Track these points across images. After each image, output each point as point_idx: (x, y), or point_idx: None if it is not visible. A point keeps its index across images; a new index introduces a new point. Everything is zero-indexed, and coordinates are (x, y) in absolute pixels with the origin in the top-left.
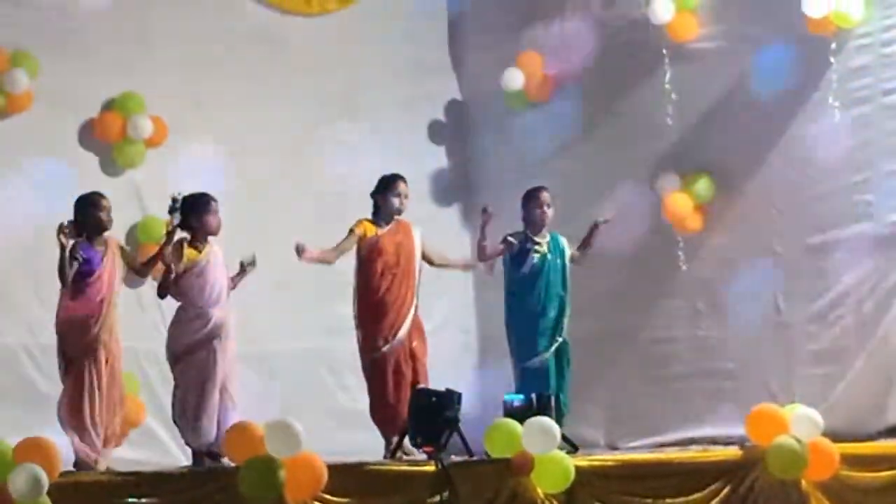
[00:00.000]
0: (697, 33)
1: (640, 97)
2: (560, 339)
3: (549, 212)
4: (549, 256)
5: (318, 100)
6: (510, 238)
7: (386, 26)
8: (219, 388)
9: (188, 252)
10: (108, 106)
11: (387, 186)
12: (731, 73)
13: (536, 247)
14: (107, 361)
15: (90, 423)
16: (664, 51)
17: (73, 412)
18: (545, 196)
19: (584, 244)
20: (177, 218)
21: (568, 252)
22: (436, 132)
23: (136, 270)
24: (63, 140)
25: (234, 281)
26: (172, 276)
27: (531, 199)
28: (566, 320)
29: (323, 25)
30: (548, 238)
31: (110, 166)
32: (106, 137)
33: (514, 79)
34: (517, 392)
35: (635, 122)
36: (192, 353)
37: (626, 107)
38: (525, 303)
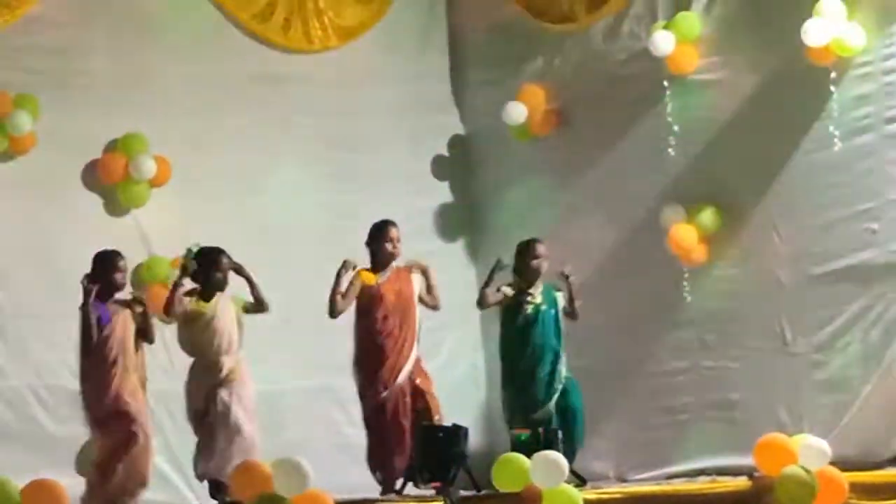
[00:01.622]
0: (698, 64)
1: (643, 129)
2: (559, 387)
3: (544, 264)
4: (542, 308)
5: (321, 137)
6: (505, 289)
7: (388, 62)
8: (240, 433)
9: (196, 303)
10: (111, 146)
11: (378, 234)
12: (732, 103)
13: (529, 298)
14: (136, 419)
15: (120, 478)
16: (665, 82)
17: (101, 469)
18: (540, 248)
19: (570, 300)
20: (192, 266)
21: (560, 303)
22: (439, 167)
23: (145, 334)
24: (66, 181)
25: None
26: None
27: (525, 251)
28: (563, 368)
29: (325, 62)
30: (541, 289)
31: (114, 207)
32: (109, 178)
33: (517, 112)
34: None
35: (638, 155)
36: (211, 401)
37: (628, 139)
38: (520, 355)
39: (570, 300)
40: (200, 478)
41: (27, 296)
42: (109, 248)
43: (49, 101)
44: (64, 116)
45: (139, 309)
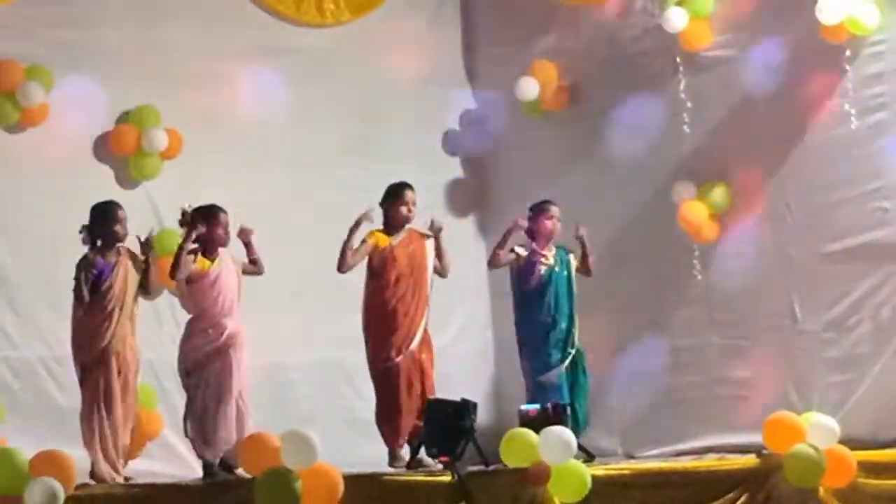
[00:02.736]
0: (711, 41)
1: (655, 106)
2: (573, 351)
3: (558, 225)
4: (556, 269)
5: (332, 110)
6: (518, 250)
7: (400, 37)
8: (235, 399)
9: (200, 261)
10: (124, 119)
11: (394, 196)
12: (745, 80)
13: (543, 259)
14: (119, 372)
15: (102, 433)
16: (678, 59)
17: (87, 422)
18: (553, 210)
19: (584, 256)
20: (198, 230)
21: (573, 264)
22: (451, 142)
23: (145, 286)
24: (78, 153)
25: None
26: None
27: (539, 212)
28: (576, 331)
29: (337, 36)
30: (554, 251)
31: (125, 179)
32: (121, 150)
33: (529, 88)
34: (533, 402)
35: (650, 131)
36: (206, 365)
37: (641, 116)
38: (535, 316)
39: (584, 257)
40: (192, 440)
41: (38, 268)
42: (107, 199)
43: (61, 73)
44: (76, 88)
45: (142, 257)
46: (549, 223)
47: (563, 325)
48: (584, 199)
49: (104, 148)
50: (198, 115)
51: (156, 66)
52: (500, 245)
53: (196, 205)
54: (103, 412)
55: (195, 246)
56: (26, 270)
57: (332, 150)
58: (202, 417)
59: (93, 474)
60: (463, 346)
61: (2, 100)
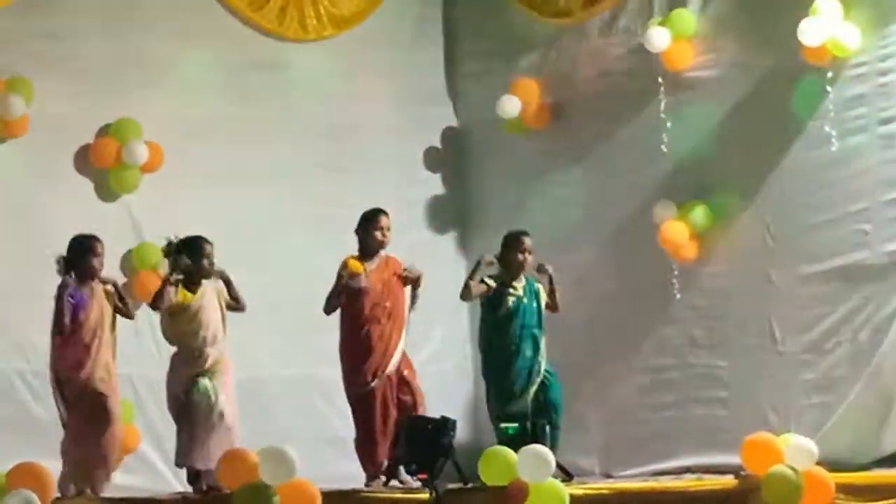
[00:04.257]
0: (693, 61)
1: (637, 125)
2: (538, 378)
3: (529, 258)
4: (524, 300)
5: (313, 126)
6: (488, 280)
7: (382, 52)
8: (218, 423)
9: (181, 293)
10: (104, 131)
11: (368, 221)
12: (727, 101)
13: (512, 290)
14: (108, 398)
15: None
16: (660, 79)
17: (76, 448)
18: (527, 242)
19: (551, 293)
20: (182, 261)
21: (543, 297)
22: (432, 159)
23: (124, 313)
24: (58, 165)
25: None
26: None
27: (512, 244)
28: (543, 361)
29: (319, 51)
30: (524, 282)
31: (105, 192)
32: (101, 163)
33: (511, 106)
34: (512, 420)
35: (631, 150)
36: (193, 392)
37: (622, 134)
38: (499, 345)
39: (551, 292)
40: (180, 465)
41: (16, 279)
42: (87, 233)
43: (42, 85)
44: (57, 100)
45: (111, 290)
46: (520, 256)
47: (528, 353)
48: (565, 217)
49: (84, 160)
50: (178, 128)
51: (136, 79)
52: (471, 277)
53: (181, 236)
54: (89, 441)
55: (179, 277)
56: (3, 282)
57: (312, 165)
58: (192, 444)
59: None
60: (442, 364)
61: None
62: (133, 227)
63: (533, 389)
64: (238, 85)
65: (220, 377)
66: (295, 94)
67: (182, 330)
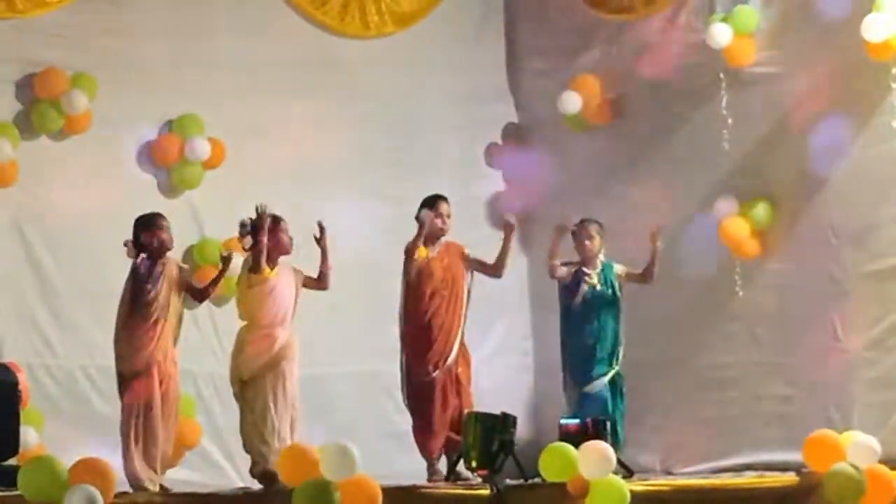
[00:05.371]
0: (755, 58)
1: (698, 121)
2: (617, 367)
3: (593, 243)
4: (598, 288)
5: (376, 123)
6: (564, 266)
7: (443, 49)
8: (290, 411)
9: (265, 269)
10: (167, 128)
11: (430, 207)
12: (789, 97)
13: (586, 278)
14: (161, 382)
15: (142, 443)
16: (721, 75)
17: (125, 431)
18: (591, 228)
19: (650, 263)
20: (248, 242)
21: (619, 282)
22: (493, 156)
23: (193, 294)
24: (121, 161)
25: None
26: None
27: (576, 232)
28: (621, 350)
29: (381, 49)
30: (599, 268)
31: (168, 188)
32: (164, 159)
33: (572, 102)
34: (573, 416)
35: (693, 147)
36: (260, 376)
37: (683, 131)
38: (580, 332)
39: (651, 263)
40: (250, 451)
41: (81, 276)
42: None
43: (106, 81)
44: (120, 96)
45: (185, 266)
46: (588, 243)
47: (608, 343)
48: (626, 214)
49: (147, 156)
50: (241, 125)
51: (199, 76)
52: (552, 255)
53: (264, 211)
54: (142, 421)
55: (260, 250)
56: (69, 278)
57: (374, 161)
58: (257, 430)
59: (129, 479)
60: (503, 360)
61: (46, 107)
62: (196, 223)
63: (612, 374)
64: (300, 82)
65: (291, 364)
66: (356, 90)
67: (256, 304)
